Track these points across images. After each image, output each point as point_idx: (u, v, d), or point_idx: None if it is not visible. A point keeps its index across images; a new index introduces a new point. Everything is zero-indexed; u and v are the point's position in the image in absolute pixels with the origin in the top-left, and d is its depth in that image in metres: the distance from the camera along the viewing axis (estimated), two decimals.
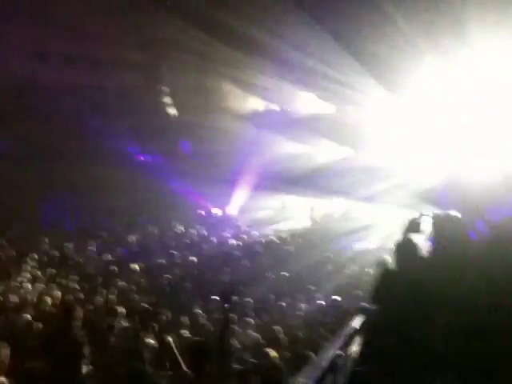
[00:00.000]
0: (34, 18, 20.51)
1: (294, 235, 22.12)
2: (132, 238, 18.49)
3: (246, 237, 21.10)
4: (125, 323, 9.01)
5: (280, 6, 17.73)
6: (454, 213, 5.98)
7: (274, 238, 21.10)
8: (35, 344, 6.62)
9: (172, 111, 24.03)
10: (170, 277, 14.05)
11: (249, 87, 24.52)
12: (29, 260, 13.54)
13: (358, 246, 20.67)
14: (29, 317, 8.70)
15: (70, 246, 16.03)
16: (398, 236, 5.72)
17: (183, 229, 20.58)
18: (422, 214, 6.09)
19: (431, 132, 19.36)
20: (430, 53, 16.85)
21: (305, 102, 24.65)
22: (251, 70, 22.49)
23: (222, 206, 25.42)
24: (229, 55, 21.67)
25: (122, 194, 21.60)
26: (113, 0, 19.87)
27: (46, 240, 16.40)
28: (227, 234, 21.03)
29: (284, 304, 13.00)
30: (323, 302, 13.59)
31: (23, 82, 20.91)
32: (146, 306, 10.34)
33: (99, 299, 10.60)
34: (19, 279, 11.53)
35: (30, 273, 12.31)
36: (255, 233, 22.12)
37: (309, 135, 24.40)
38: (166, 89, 24.10)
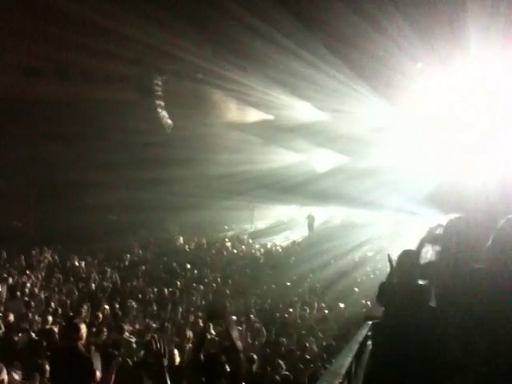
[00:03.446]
0: (26, 33, 20.60)
1: (294, 244, 22.12)
2: None
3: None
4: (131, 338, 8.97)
5: (274, 16, 17.81)
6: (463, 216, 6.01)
7: (274, 248, 21.10)
8: (41, 362, 6.52)
9: (168, 123, 24.02)
10: None
11: (244, 98, 24.57)
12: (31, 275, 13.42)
13: (358, 253, 20.65)
14: (33, 335, 8.64)
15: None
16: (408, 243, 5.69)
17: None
18: (439, 225, 6.07)
19: (428, 137, 19.40)
20: (426, 58, 16.97)
21: (300, 111, 24.68)
22: (246, 80, 22.55)
23: None
24: (223, 67, 21.74)
25: None
26: (107, 14, 19.83)
27: (48, 255, 16.33)
28: None
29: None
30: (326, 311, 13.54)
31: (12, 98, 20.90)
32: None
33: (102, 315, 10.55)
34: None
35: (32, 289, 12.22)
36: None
37: (305, 143, 24.43)
38: (161, 102, 24.13)
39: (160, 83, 24.08)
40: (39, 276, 13.19)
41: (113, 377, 6.33)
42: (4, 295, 10.90)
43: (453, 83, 17.76)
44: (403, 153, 20.64)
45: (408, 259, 5.18)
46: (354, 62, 19.08)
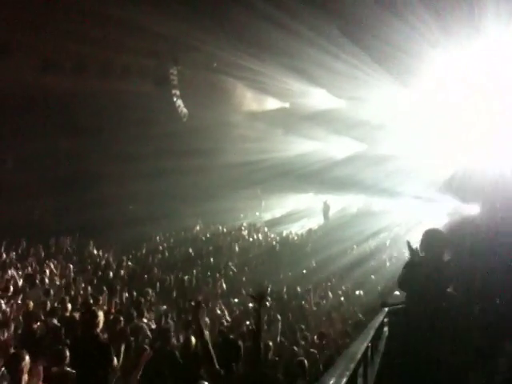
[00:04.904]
0: (43, 27, 20.67)
1: (310, 232, 22.10)
2: None
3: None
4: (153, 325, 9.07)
5: (290, 3, 17.65)
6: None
7: (290, 236, 21.09)
8: (60, 349, 6.62)
9: (184, 113, 24.02)
10: None
11: (260, 86, 24.46)
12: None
13: (374, 241, 20.58)
14: (55, 321, 8.77)
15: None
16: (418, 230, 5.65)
17: None
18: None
19: (445, 123, 19.18)
20: (444, 43, 16.71)
21: (316, 98, 24.50)
22: (262, 68, 22.43)
23: None
24: (239, 55, 21.64)
25: None
26: (122, 6, 19.84)
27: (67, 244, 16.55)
28: None
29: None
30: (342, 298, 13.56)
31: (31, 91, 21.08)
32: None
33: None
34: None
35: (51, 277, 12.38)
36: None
37: (321, 131, 24.28)
38: (177, 92, 24.14)
39: (176, 73, 24.06)
40: (58, 265, 13.33)
41: (141, 366, 6.44)
42: (23, 284, 11.06)
43: (471, 68, 17.50)
44: (420, 139, 20.42)
45: (431, 238, 5.12)
46: (371, 47, 18.86)
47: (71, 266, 13.43)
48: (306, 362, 7.04)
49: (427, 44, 17.22)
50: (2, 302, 9.09)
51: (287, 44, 20.45)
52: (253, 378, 2.06)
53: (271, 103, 25.67)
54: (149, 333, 8.57)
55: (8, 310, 8.90)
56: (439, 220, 15.50)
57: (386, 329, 6.34)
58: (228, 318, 10.75)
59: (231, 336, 6.65)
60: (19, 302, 9.67)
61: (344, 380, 2.67)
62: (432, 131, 19.79)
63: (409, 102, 20.76)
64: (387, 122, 21.38)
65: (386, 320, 6.37)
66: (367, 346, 4.11)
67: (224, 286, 13.87)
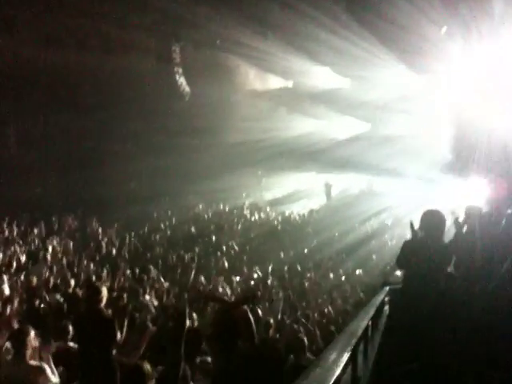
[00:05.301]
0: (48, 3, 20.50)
1: (312, 212, 22.13)
2: None
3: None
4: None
5: None
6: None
7: (292, 216, 21.13)
8: (64, 324, 6.69)
9: (187, 91, 23.88)
10: None
11: (263, 64, 24.26)
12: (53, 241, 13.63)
13: (376, 221, 20.60)
14: (58, 297, 8.86)
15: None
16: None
17: None
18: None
19: (450, 104, 19.05)
20: (451, 23, 16.51)
21: (320, 77, 24.31)
22: (265, 46, 22.23)
23: None
24: (242, 33, 21.43)
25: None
26: None
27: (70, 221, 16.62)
28: None
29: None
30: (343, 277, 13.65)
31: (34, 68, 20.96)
32: None
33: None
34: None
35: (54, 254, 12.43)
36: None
37: (325, 110, 24.15)
38: (179, 70, 23.97)
39: (178, 51, 23.87)
40: (61, 242, 13.40)
41: (144, 343, 6.52)
42: (26, 260, 11.14)
43: (478, 48, 17.30)
44: (424, 120, 20.32)
45: (431, 217, 5.18)
46: (377, 27, 18.66)
47: (74, 243, 13.51)
48: (305, 339, 7.10)
49: (434, 25, 17.04)
50: (5, 277, 9.16)
51: (291, 22, 20.26)
52: (253, 352, 2.08)
53: (274, 82, 25.48)
54: (152, 309, 8.66)
55: (11, 285, 8.98)
56: (442, 201, 15.49)
57: (386, 307, 6.39)
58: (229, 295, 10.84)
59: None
60: (22, 278, 9.76)
61: (344, 356, 2.69)
62: (436, 112, 19.68)
63: (414, 83, 20.61)
64: (392, 103, 21.24)
65: (386, 299, 6.42)
66: (367, 324, 4.14)
67: (226, 264, 13.95)
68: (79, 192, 19.54)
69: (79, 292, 8.88)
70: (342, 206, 22.39)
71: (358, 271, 14.31)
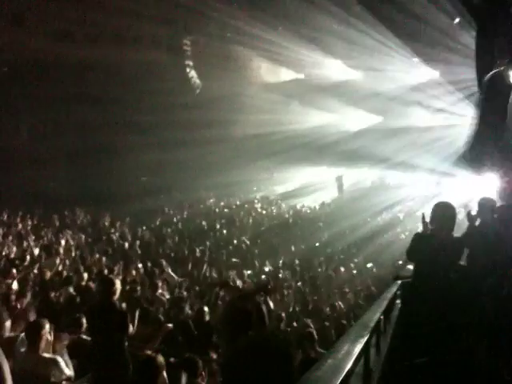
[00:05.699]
0: None
1: (323, 205, 22.08)
2: None
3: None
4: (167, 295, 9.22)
5: None
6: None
7: (303, 209, 21.09)
8: (77, 317, 6.74)
9: (198, 84, 23.89)
10: None
11: (275, 57, 24.18)
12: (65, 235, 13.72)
13: (388, 215, 20.49)
14: (71, 290, 8.94)
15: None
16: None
17: None
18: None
19: (463, 95, 18.86)
20: (464, 13, 16.30)
21: (332, 69, 24.18)
22: (277, 39, 22.14)
23: None
24: (253, 25, 21.38)
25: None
26: None
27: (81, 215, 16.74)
28: None
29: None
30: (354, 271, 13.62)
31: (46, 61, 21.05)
32: None
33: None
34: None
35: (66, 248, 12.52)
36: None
37: (336, 103, 24.03)
38: (190, 62, 23.98)
39: (189, 43, 23.88)
40: (73, 235, 13.50)
41: (159, 338, 6.57)
42: (40, 253, 11.22)
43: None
44: (437, 112, 20.17)
45: (443, 211, 5.16)
46: (389, 18, 18.51)
47: (86, 237, 13.60)
48: (315, 333, 7.11)
49: (447, 16, 16.85)
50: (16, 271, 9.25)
51: (302, 13, 20.16)
52: (263, 342, 2.08)
53: (286, 74, 25.40)
54: (165, 301, 8.70)
55: (24, 279, 9.06)
56: (455, 193, 15.39)
57: (398, 301, 6.36)
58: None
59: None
60: (35, 271, 9.85)
61: (357, 348, 2.68)
62: (450, 103, 19.51)
63: (426, 75, 20.44)
64: (403, 95, 21.09)
65: (398, 292, 6.39)
66: (380, 317, 4.11)
67: (237, 258, 13.97)
68: (91, 185, 19.65)
69: (92, 285, 8.94)
70: (354, 199, 22.30)
71: (369, 265, 14.25)
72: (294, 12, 20.49)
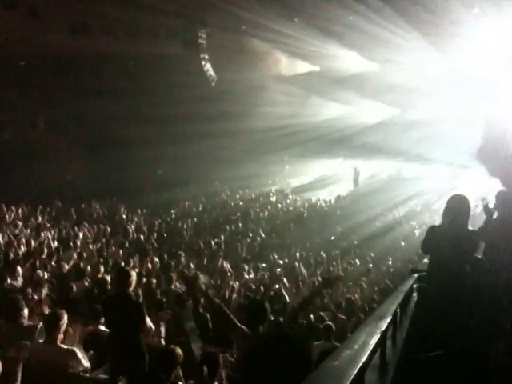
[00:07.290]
0: None
1: (339, 198, 22.01)
2: None
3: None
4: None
5: None
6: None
7: (319, 203, 21.05)
8: (95, 308, 6.80)
9: (213, 76, 23.86)
10: None
11: (290, 49, 24.05)
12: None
13: (404, 208, 20.35)
14: (86, 283, 9.03)
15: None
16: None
17: None
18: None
19: (480, 88, 18.62)
20: (482, 4, 16.09)
21: (347, 61, 23.99)
22: (292, 31, 22.03)
23: None
24: (268, 17, 21.28)
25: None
26: None
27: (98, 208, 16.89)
28: None
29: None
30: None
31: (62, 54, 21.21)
32: None
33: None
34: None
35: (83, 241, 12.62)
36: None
37: (352, 95, 23.86)
38: (205, 55, 23.97)
39: (204, 36, 23.85)
40: (90, 228, 13.60)
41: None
42: (58, 246, 11.33)
43: (509, 30, 16.84)
44: (454, 105, 19.91)
45: (458, 203, 5.12)
46: (405, 10, 18.33)
47: (104, 229, 13.70)
48: (333, 326, 7.11)
49: (464, 7, 16.64)
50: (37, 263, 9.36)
51: (318, 5, 20.01)
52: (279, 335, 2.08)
53: (301, 66, 25.24)
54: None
55: (42, 271, 9.16)
56: (472, 187, 15.24)
57: (415, 294, 6.34)
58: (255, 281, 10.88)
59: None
60: (53, 263, 9.95)
61: (373, 339, 2.67)
62: (466, 97, 19.26)
63: (443, 67, 20.18)
64: (421, 87, 20.85)
65: (415, 286, 6.36)
66: (396, 309, 4.10)
67: (252, 251, 14.00)
68: (108, 178, 19.78)
69: (108, 278, 9.01)
70: (370, 192, 22.18)
71: (386, 258, 14.18)
72: (309, 4, 20.34)
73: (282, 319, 7.17)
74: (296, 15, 21.69)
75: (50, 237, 11.54)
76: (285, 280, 10.56)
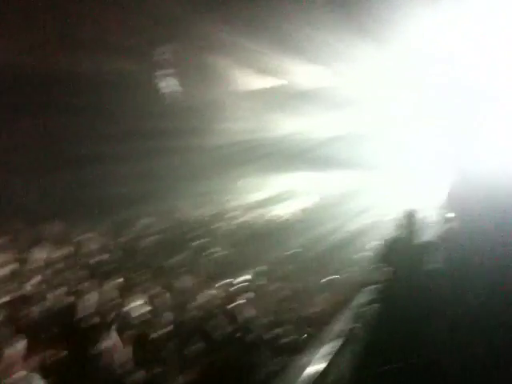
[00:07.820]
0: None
1: (302, 211, 22.17)
2: None
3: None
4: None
5: None
6: None
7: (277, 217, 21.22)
8: (52, 334, 6.69)
9: (173, 91, 23.81)
10: None
11: (250, 63, 24.18)
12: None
13: (366, 219, 20.61)
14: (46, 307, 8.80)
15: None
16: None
17: None
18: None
19: (436, 95, 19.06)
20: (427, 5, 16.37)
21: (304, 74, 24.25)
22: (255, 46, 22.16)
23: None
24: (230, 33, 21.40)
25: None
26: None
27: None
28: None
29: None
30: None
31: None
32: None
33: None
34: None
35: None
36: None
37: (311, 108, 24.09)
38: (163, 71, 23.90)
39: (165, 51, 23.81)
40: (46, 250, 13.33)
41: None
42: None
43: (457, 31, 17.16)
44: (410, 112, 20.42)
45: (409, 218, 5.30)
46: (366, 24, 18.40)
47: (60, 250, 13.47)
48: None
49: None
50: None
51: (278, 20, 20.20)
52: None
53: (264, 81, 25.37)
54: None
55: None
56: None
57: (371, 306, 6.49)
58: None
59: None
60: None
61: (330, 353, 2.76)
62: (422, 103, 19.74)
63: (396, 73, 20.54)
64: (377, 97, 21.28)
65: (371, 298, 6.51)
66: (352, 323, 4.22)
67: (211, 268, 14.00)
68: (64, 196, 19.41)
69: (66, 300, 8.85)
70: (329, 205, 22.40)
71: (344, 270, 14.35)
72: (270, 19, 20.52)
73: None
74: (256, 30, 21.83)
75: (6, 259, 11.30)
76: (249, 294, 10.62)
